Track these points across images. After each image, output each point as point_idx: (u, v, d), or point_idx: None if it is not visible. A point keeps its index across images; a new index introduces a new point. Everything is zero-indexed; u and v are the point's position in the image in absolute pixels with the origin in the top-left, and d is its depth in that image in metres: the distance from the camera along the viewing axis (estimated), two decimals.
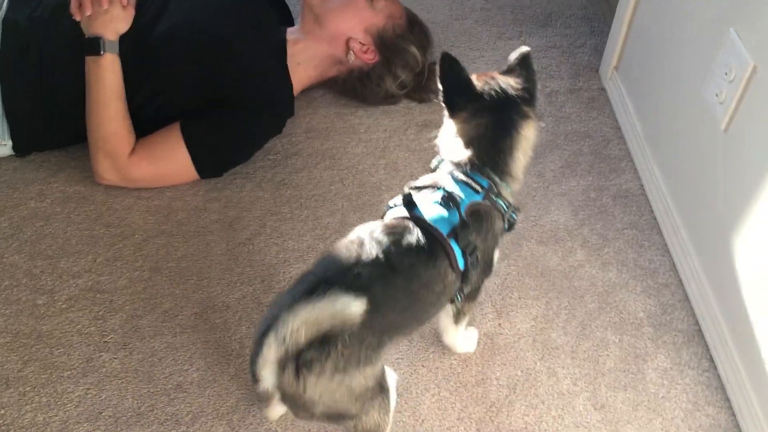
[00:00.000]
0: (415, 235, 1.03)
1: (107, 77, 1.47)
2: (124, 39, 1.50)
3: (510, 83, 1.14)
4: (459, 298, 1.13)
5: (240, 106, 1.53)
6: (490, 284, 1.44)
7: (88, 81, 1.47)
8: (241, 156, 1.60)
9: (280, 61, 1.63)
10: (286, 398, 0.99)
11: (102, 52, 1.46)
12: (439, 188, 1.09)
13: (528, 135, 1.13)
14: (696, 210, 1.44)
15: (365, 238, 1.03)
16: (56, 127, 1.56)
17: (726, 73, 1.29)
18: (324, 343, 0.92)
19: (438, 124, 1.74)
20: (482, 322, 1.39)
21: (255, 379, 0.98)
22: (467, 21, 2.06)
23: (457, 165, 1.11)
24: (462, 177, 1.10)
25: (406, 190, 1.09)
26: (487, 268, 1.15)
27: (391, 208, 1.12)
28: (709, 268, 1.38)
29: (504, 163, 1.11)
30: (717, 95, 1.32)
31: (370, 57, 1.66)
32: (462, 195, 1.08)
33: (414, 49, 1.68)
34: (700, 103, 1.39)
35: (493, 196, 1.10)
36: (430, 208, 1.07)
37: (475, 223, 1.07)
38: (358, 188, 1.62)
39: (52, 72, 1.51)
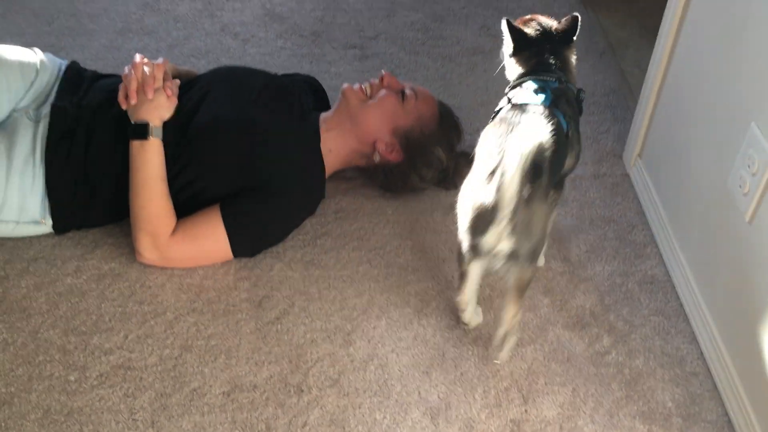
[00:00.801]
0: (531, 109, 1.32)
1: (152, 160, 1.53)
2: (165, 126, 1.57)
3: (552, 25, 1.48)
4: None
5: (276, 189, 1.59)
6: (516, 369, 1.44)
7: (133, 164, 1.54)
8: (277, 237, 1.65)
9: (314, 146, 1.69)
10: (515, 230, 1.20)
11: (148, 137, 1.53)
12: (529, 84, 1.40)
13: (571, 56, 1.48)
14: (722, 299, 1.44)
15: (502, 115, 1.34)
16: (96, 208, 1.61)
17: (749, 166, 1.31)
18: (535, 172, 1.15)
19: None
20: (508, 408, 1.38)
21: (489, 221, 1.19)
22: (493, 106, 2.11)
23: (530, 72, 1.43)
24: (538, 76, 1.41)
25: (507, 93, 1.42)
26: (578, 142, 1.44)
27: (498, 110, 1.41)
28: (737, 358, 1.37)
29: (561, 62, 1.44)
30: (740, 187, 1.34)
31: (396, 156, 1.72)
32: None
33: (439, 151, 1.73)
34: (724, 193, 1.41)
35: (565, 82, 1.41)
36: (529, 96, 1.37)
37: (563, 99, 1.37)
38: (385, 269, 1.65)
39: (96, 156, 1.58)
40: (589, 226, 1.76)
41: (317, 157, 1.69)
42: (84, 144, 1.58)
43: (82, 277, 1.58)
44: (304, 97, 1.81)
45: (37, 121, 1.58)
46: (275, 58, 2.25)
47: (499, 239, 1.21)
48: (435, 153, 1.73)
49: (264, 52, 2.27)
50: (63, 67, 1.71)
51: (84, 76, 1.70)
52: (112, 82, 1.66)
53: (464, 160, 1.80)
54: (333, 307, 1.56)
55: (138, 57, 1.60)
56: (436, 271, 1.64)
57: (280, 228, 1.64)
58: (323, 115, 1.76)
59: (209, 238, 1.56)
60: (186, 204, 1.58)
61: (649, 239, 1.73)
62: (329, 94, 2.06)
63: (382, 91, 1.73)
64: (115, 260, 1.62)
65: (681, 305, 1.58)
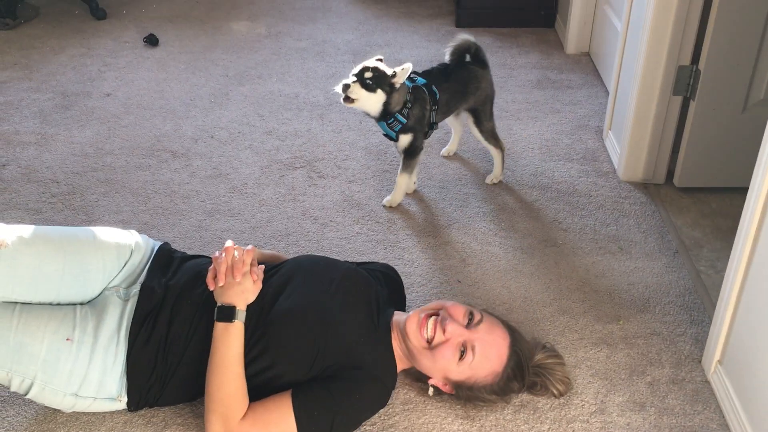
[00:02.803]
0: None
1: (234, 343, 1.58)
2: (247, 310, 1.63)
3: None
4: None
5: (348, 382, 1.60)
6: None
7: (214, 345, 1.58)
8: (347, 428, 1.63)
9: (387, 342, 1.71)
10: None
11: (234, 320, 1.59)
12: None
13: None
14: None
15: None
16: (170, 388, 1.64)
17: None
18: None
19: (535, 405, 1.74)
20: None
21: None
22: (565, 301, 2.11)
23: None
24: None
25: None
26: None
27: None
28: None
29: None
30: None
31: (448, 389, 1.72)
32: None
33: (492, 396, 1.70)
34: None
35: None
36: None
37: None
38: None
39: (176, 336, 1.63)
40: None
41: (389, 353, 1.71)
42: (166, 324, 1.64)
43: None
44: (380, 291, 1.84)
45: (126, 300, 1.66)
46: (351, 242, 2.33)
47: None
48: (487, 398, 1.70)
49: (341, 237, 2.36)
50: (155, 248, 1.81)
51: (174, 257, 1.80)
52: (199, 263, 1.75)
53: (533, 388, 1.77)
54: None
55: (230, 242, 1.69)
56: None
57: (350, 420, 1.63)
58: (395, 319, 1.76)
59: (279, 426, 1.55)
60: (259, 388, 1.60)
61: None
62: (403, 280, 2.11)
63: (442, 344, 1.64)
64: None
65: None
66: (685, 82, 2.44)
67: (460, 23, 3.93)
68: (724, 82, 2.35)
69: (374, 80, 2.21)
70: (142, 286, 1.69)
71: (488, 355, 1.65)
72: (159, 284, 1.69)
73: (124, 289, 1.69)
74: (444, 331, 1.63)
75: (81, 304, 1.66)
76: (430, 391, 1.73)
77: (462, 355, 1.63)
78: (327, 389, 1.58)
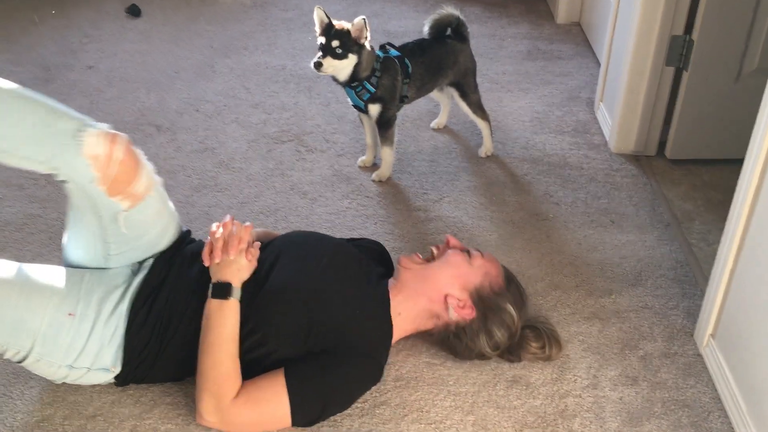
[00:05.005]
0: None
1: (228, 321, 1.56)
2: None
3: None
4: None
5: (342, 358, 1.59)
6: None
7: (207, 323, 1.56)
8: (341, 406, 1.62)
9: (383, 313, 1.70)
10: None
11: (229, 297, 1.57)
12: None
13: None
14: None
15: None
16: (160, 364, 1.62)
17: None
18: None
19: (528, 381, 1.73)
20: None
21: None
22: (556, 276, 2.10)
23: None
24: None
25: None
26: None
27: None
28: None
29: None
30: None
31: (468, 312, 1.70)
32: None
33: (510, 308, 1.71)
34: None
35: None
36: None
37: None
38: None
39: (172, 314, 1.61)
40: (662, 409, 1.68)
41: (386, 324, 1.69)
42: (165, 300, 1.62)
43: None
44: (373, 265, 1.83)
45: (135, 274, 1.66)
46: (341, 217, 2.30)
47: None
48: (506, 309, 1.71)
49: (330, 212, 2.33)
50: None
51: (185, 239, 1.79)
52: (199, 245, 1.74)
53: (531, 332, 1.77)
54: None
55: (228, 217, 1.68)
56: None
57: (344, 398, 1.62)
58: (390, 281, 1.78)
59: (271, 404, 1.53)
60: (251, 366, 1.58)
61: (727, 428, 1.63)
62: (392, 255, 2.08)
63: (449, 251, 1.77)
64: (172, 421, 1.60)
65: None
66: (678, 52, 2.41)
67: None
68: (717, 51, 2.32)
69: (342, 46, 2.20)
70: (155, 260, 1.68)
71: (491, 256, 1.80)
72: (164, 262, 1.68)
73: (138, 264, 1.68)
74: (447, 243, 1.79)
75: (92, 270, 1.64)
76: (452, 314, 1.71)
77: (470, 254, 1.75)
78: (320, 367, 1.56)
